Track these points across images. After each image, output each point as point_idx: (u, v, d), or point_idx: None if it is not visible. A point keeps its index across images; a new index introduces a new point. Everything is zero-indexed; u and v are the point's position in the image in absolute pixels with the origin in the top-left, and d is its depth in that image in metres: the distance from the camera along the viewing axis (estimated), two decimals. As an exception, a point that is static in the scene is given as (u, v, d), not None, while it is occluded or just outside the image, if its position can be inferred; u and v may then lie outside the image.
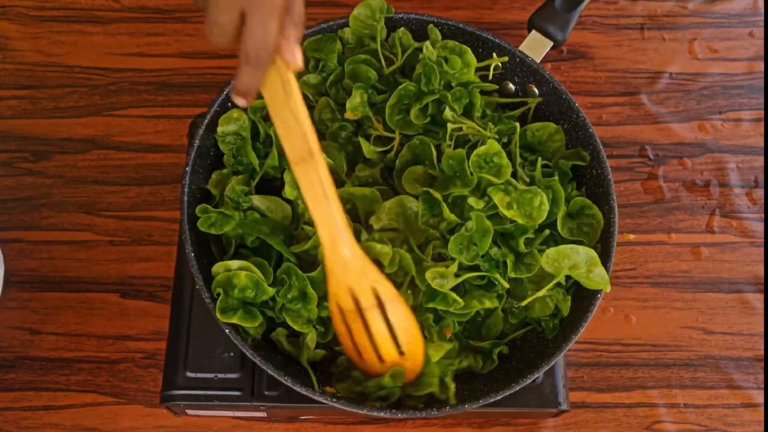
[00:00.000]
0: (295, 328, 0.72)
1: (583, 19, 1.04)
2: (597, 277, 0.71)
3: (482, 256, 0.72)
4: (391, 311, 0.70)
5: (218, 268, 0.71)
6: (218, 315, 0.69)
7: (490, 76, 0.82)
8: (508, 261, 0.72)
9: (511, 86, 0.84)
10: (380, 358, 0.71)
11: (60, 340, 0.86)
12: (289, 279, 0.72)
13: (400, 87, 0.77)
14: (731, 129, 0.99)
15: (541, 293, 0.72)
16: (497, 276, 0.72)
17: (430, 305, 0.72)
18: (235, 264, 0.71)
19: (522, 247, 0.73)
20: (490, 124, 0.78)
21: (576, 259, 0.71)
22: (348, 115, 0.77)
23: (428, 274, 0.70)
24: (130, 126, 0.96)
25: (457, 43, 0.79)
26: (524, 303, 0.74)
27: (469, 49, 0.79)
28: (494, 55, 0.82)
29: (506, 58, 0.82)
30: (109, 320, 0.87)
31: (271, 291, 0.71)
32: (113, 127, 0.96)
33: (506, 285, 0.73)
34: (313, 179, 0.65)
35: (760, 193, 0.96)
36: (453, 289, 0.72)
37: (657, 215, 0.94)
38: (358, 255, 0.68)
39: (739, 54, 1.03)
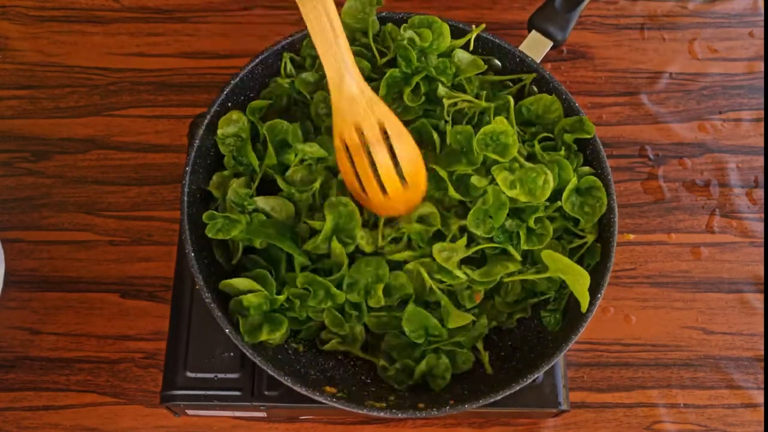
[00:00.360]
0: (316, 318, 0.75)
1: (583, 19, 1.04)
2: (581, 294, 0.72)
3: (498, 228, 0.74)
4: (396, 143, 0.72)
5: (224, 287, 0.72)
6: (246, 339, 0.70)
7: (474, 58, 0.81)
8: (521, 232, 0.74)
9: (497, 62, 0.83)
10: (384, 190, 0.73)
11: (60, 340, 0.86)
12: (312, 287, 0.72)
13: (386, 76, 0.77)
14: (731, 129, 0.99)
15: (541, 275, 0.74)
16: (510, 248, 0.74)
17: (437, 276, 0.73)
18: (240, 284, 0.72)
19: (532, 224, 0.74)
20: (486, 93, 0.79)
21: (567, 272, 0.73)
22: None
23: (435, 248, 0.73)
24: (130, 126, 0.96)
25: (424, 16, 0.79)
26: (531, 277, 0.75)
27: (437, 18, 0.79)
28: (473, 26, 0.82)
29: (483, 26, 0.81)
30: (109, 320, 0.87)
31: (282, 298, 0.72)
32: (113, 127, 0.96)
33: (519, 257, 0.74)
34: (320, 15, 0.66)
35: (760, 193, 0.96)
36: (469, 259, 0.75)
37: (657, 215, 0.94)
38: (365, 90, 0.71)
39: (739, 54, 1.03)
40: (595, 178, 0.77)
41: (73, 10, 1.03)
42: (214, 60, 1.00)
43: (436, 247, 0.73)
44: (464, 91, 0.79)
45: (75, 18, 1.03)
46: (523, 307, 0.78)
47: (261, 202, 0.75)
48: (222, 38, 1.01)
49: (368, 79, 0.78)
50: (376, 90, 0.77)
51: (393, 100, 0.78)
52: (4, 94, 0.98)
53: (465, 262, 0.75)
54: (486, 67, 0.80)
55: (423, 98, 0.78)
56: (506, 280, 0.75)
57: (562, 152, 0.77)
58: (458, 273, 0.73)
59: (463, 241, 0.73)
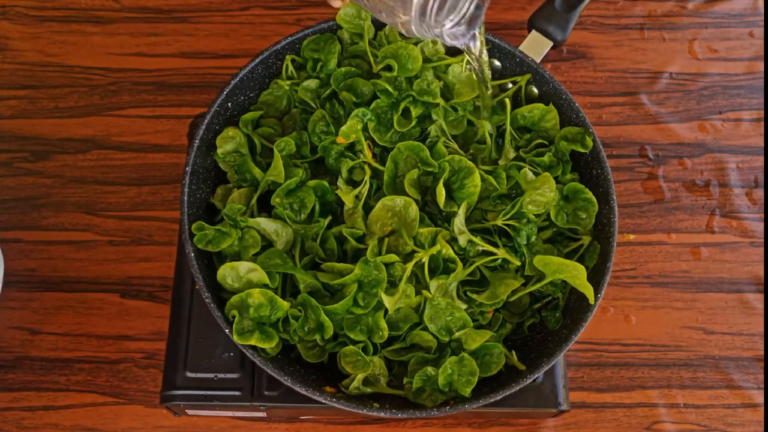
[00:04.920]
0: (307, 359, 0.73)
1: (583, 19, 1.04)
2: (583, 287, 0.72)
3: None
4: None
5: (224, 270, 0.71)
6: (236, 338, 0.69)
7: (463, 69, 0.81)
8: (524, 250, 0.74)
9: (497, 63, 0.83)
10: None
11: (60, 340, 0.86)
12: (305, 310, 0.71)
13: (371, 107, 0.77)
14: (731, 129, 0.99)
15: (543, 282, 0.74)
16: (507, 256, 0.74)
17: (446, 319, 0.73)
18: (243, 267, 0.71)
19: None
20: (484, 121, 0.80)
21: (563, 271, 0.73)
22: (339, 140, 0.76)
23: (432, 285, 0.72)
24: (130, 126, 0.96)
25: (391, 46, 0.79)
26: (535, 287, 0.75)
27: (402, 43, 0.79)
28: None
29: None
30: (109, 320, 0.87)
31: (286, 305, 0.71)
32: (113, 127, 0.96)
33: (518, 262, 0.74)
34: None
35: (760, 193, 0.96)
36: (472, 283, 0.74)
37: (657, 215, 0.94)
38: None
39: (739, 54, 1.03)
40: (575, 183, 0.77)
41: (73, 10, 1.03)
42: (214, 60, 1.00)
43: (432, 283, 0.72)
44: (457, 110, 0.79)
45: (75, 18, 1.03)
46: (532, 313, 0.78)
47: (264, 223, 0.74)
48: (222, 38, 1.01)
49: (371, 110, 0.78)
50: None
51: (386, 129, 0.78)
52: (4, 94, 0.98)
53: (466, 284, 0.75)
54: (478, 92, 0.80)
55: (415, 120, 0.77)
56: (513, 299, 0.75)
57: (546, 158, 0.77)
58: (459, 304, 0.73)
59: (459, 269, 0.73)
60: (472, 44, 0.69)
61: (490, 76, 0.75)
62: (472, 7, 0.66)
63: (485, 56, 0.72)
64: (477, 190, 0.74)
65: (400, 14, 0.64)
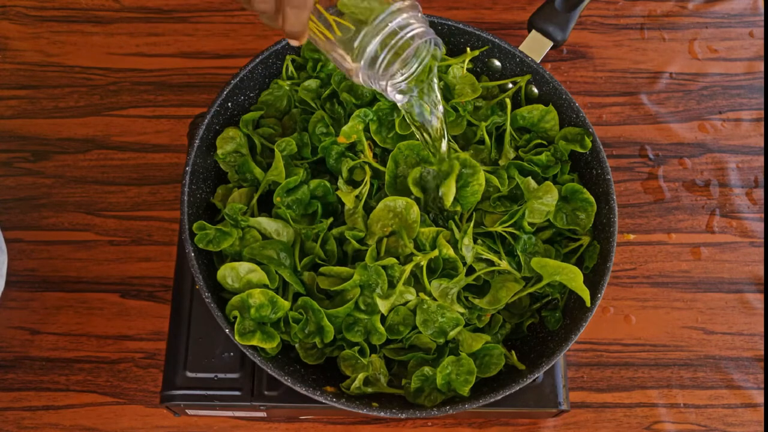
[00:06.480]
0: (305, 360, 0.73)
1: (583, 19, 1.04)
2: (579, 289, 0.72)
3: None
4: None
5: (224, 270, 0.71)
6: (237, 338, 0.69)
7: (464, 70, 0.81)
8: (519, 254, 0.74)
9: (497, 63, 0.83)
10: None
11: (60, 340, 0.86)
12: (306, 314, 0.71)
13: (374, 108, 0.77)
14: (731, 129, 0.99)
15: (541, 284, 0.74)
16: (508, 268, 0.74)
17: (438, 321, 0.73)
18: (243, 267, 0.71)
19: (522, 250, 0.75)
20: (483, 109, 0.80)
21: (560, 273, 0.73)
22: (340, 139, 0.76)
23: (433, 285, 0.72)
24: (130, 126, 0.96)
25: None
26: (533, 289, 0.75)
27: None
28: (468, 49, 0.82)
29: (477, 52, 0.82)
30: (109, 320, 0.87)
31: (287, 305, 0.71)
32: (113, 127, 0.96)
33: (518, 274, 0.74)
34: None
35: (760, 193, 0.96)
36: (472, 287, 0.74)
37: (657, 215, 0.94)
38: None
39: (739, 54, 1.03)
40: (574, 183, 0.77)
41: (73, 10, 1.03)
42: (214, 60, 1.00)
43: (434, 284, 0.72)
44: (457, 111, 0.79)
45: (75, 18, 1.03)
46: (531, 314, 0.78)
47: (265, 222, 0.74)
48: (222, 38, 1.02)
49: (371, 109, 0.78)
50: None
51: (387, 130, 0.77)
52: (4, 94, 0.98)
53: (466, 288, 0.75)
54: (481, 90, 0.80)
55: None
56: (512, 299, 0.75)
57: (543, 157, 0.77)
58: (457, 308, 0.73)
59: (462, 276, 0.73)
60: (429, 102, 0.68)
61: (445, 135, 0.72)
62: (422, 65, 0.65)
63: (440, 111, 0.70)
64: (481, 189, 0.74)
65: (349, 61, 0.62)
